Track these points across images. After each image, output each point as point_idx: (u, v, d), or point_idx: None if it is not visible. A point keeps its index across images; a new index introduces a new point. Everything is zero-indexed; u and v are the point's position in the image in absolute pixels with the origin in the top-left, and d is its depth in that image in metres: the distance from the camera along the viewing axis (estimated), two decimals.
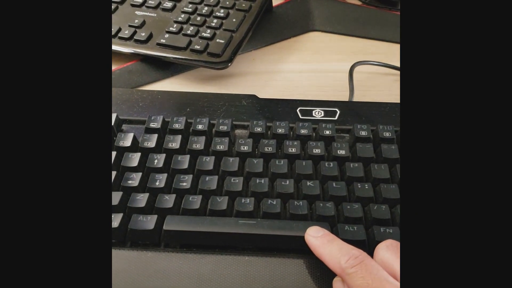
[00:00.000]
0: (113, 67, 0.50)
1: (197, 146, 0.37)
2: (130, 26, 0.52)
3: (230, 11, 0.54)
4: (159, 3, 0.55)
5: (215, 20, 0.52)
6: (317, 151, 0.37)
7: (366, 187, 0.34)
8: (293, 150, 0.37)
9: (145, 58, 0.51)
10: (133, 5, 0.55)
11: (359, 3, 0.62)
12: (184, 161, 0.36)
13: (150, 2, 0.55)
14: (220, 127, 0.39)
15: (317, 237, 0.29)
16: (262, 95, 0.44)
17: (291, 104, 0.43)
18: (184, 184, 0.34)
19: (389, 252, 0.26)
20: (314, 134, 0.39)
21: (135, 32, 0.51)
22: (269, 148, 0.37)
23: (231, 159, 0.36)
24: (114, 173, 0.35)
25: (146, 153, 0.37)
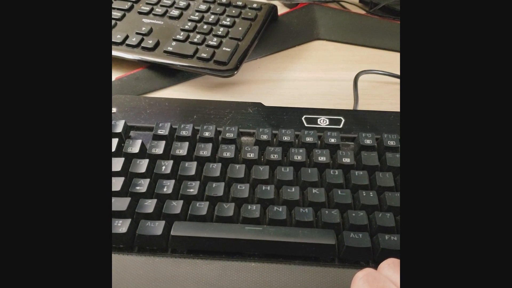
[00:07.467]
0: (120, 74, 0.51)
1: (204, 153, 0.38)
2: (137, 33, 0.53)
3: (236, 19, 0.54)
4: (166, 11, 0.56)
5: (221, 29, 0.53)
6: (322, 159, 0.37)
7: (371, 195, 0.35)
8: (299, 157, 0.38)
9: (152, 65, 0.51)
10: (140, 13, 0.56)
11: (363, 12, 0.63)
12: (191, 167, 0.36)
13: (157, 10, 0.56)
14: (227, 134, 0.39)
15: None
16: (267, 103, 0.45)
17: (297, 112, 0.43)
18: (191, 190, 0.35)
19: (391, 270, 0.27)
20: (319, 142, 0.40)
21: (142, 40, 0.52)
22: (275, 156, 0.38)
23: (237, 166, 0.37)
24: (122, 179, 0.35)
25: (154, 159, 0.37)
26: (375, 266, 0.28)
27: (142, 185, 0.35)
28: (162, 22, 0.55)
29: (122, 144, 0.39)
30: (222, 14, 0.55)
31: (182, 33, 0.52)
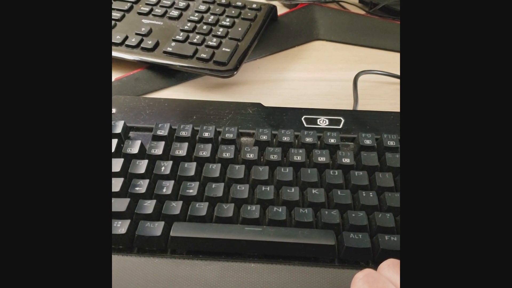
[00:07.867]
0: (120, 75, 0.51)
1: (204, 153, 0.38)
2: (137, 34, 0.53)
3: (236, 20, 0.54)
4: (166, 12, 0.56)
5: (221, 29, 0.53)
6: (322, 159, 0.37)
7: (371, 195, 0.34)
8: (298, 158, 0.37)
9: (152, 66, 0.51)
10: (140, 14, 0.56)
11: (363, 12, 0.63)
12: (191, 168, 0.36)
13: (156, 10, 0.56)
14: (226, 134, 0.39)
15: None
16: (267, 103, 0.45)
17: (296, 112, 0.43)
18: (191, 191, 0.35)
19: (391, 271, 0.27)
20: (319, 143, 0.39)
21: (142, 40, 0.52)
22: (275, 156, 0.38)
23: (237, 166, 0.37)
24: (121, 180, 0.35)
25: (153, 160, 0.37)
26: (375, 266, 0.28)
27: (142, 186, 0.35)
28: (161, 23, 0.55)
29: (122, 145, 0.39)
30: (221, 14, 0.55)
31: (181, 33, 0.52)
